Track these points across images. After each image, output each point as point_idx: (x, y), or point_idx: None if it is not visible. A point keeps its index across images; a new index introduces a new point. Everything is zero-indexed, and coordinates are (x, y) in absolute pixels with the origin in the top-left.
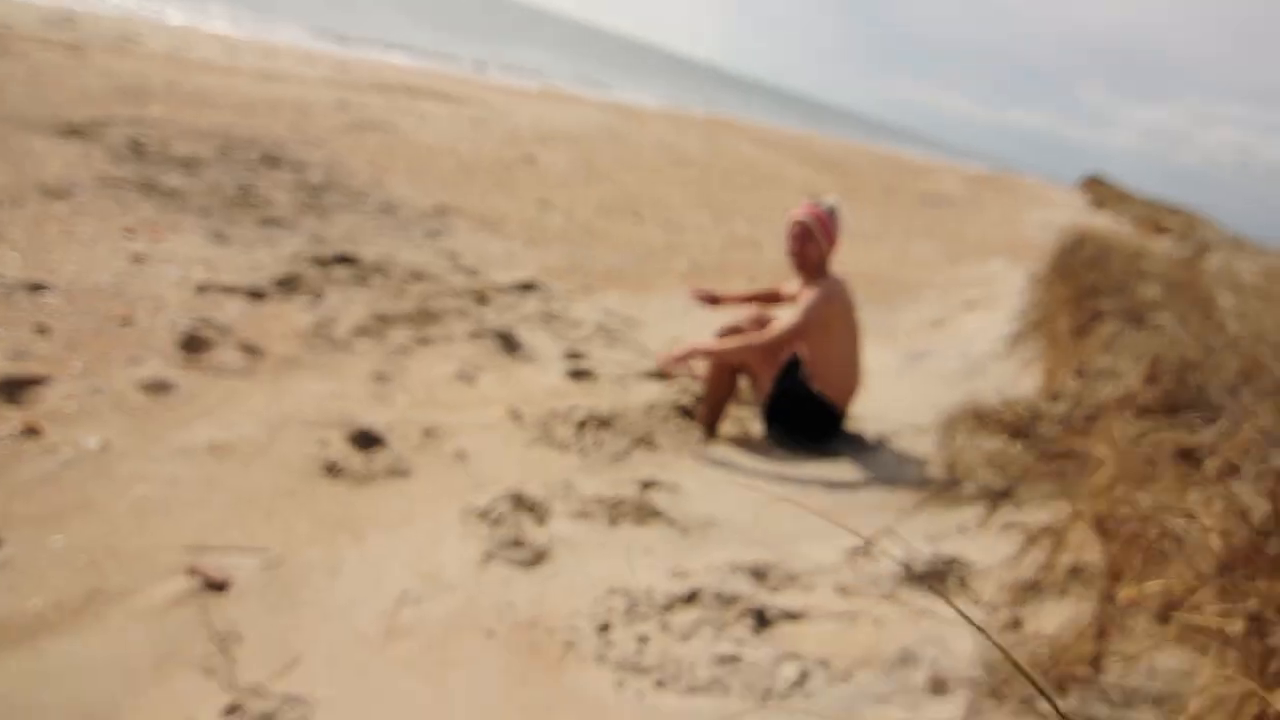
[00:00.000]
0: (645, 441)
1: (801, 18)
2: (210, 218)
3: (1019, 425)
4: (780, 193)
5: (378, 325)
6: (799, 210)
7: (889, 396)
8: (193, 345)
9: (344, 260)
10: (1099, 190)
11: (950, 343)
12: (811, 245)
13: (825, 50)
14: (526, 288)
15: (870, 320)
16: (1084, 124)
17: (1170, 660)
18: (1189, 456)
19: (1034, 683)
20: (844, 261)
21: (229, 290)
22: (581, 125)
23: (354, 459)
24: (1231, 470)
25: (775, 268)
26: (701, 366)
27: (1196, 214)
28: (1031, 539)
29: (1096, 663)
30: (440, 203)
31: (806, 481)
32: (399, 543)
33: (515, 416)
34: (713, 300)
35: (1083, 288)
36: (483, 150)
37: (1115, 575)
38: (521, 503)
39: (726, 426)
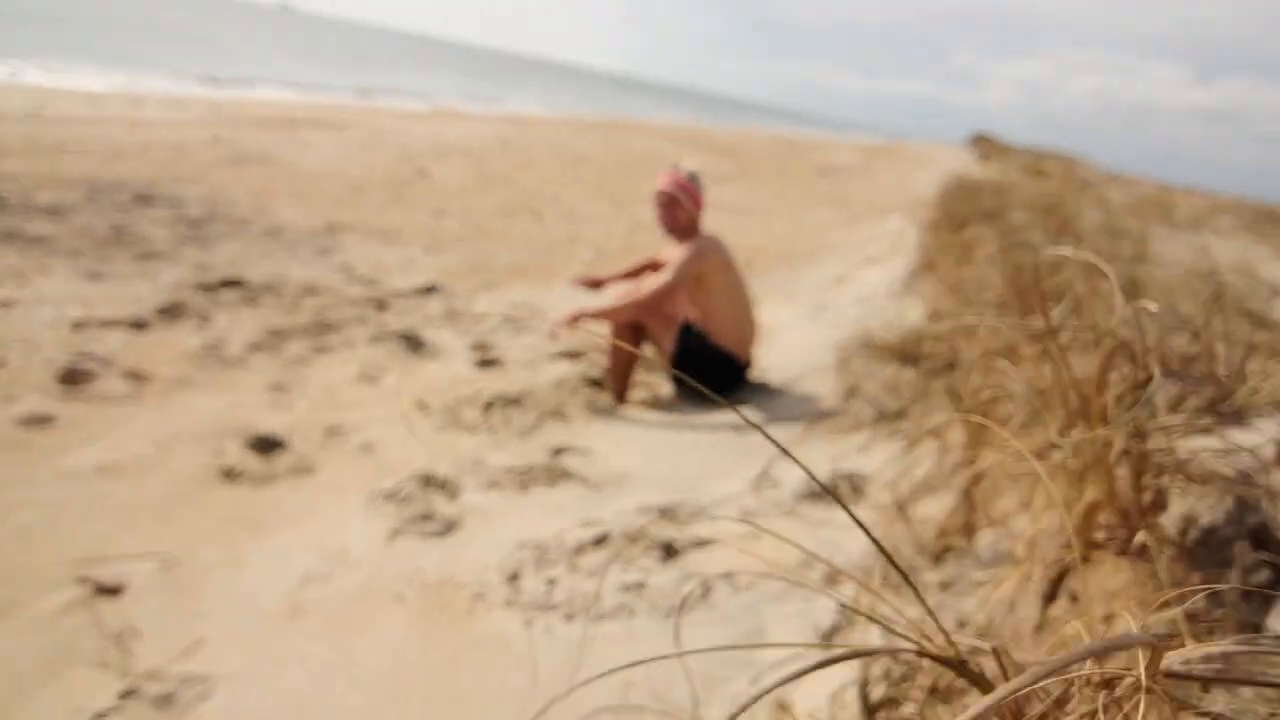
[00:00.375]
0: (555, 414)
1: (687, 15)
2: (82, 258)
3: (906, 349)
4: None
5: (272, 340)
6: (662, 180)
7: (791, 347)
8: (72, 378)
9: (231, 284)
10: (985, 146)
11: (849, 294)
12: (679, 210)
13: (712, 44)
14: (427, 291)
15: (774, 284)
16: (960, 87)
17: (1028, 521)
18: (1047, 339)
19: (886, 556)
20: (744, 237)
21: (108, 324)
22: (474, 137)
23: (253, 463)
24: (1077, 344)
25: None
26: (601, 330)
27: (1073, 157)
28: (912, 441)
29: (969, 532)
30: (330, 221)
31: (716, 427)
32: (302, 532)
33: (422, 407)
34: (596, 284)
35: (960, 222)
36: (373, 170)
37: (978, 451)
38: (430, 482)
39: (637, 392)
